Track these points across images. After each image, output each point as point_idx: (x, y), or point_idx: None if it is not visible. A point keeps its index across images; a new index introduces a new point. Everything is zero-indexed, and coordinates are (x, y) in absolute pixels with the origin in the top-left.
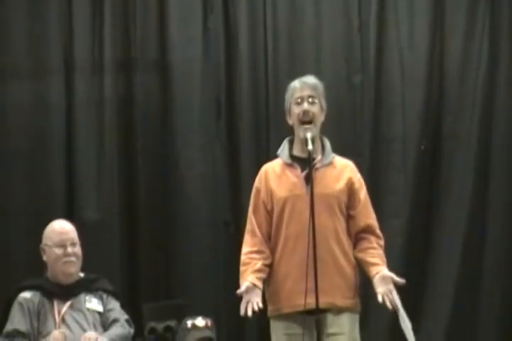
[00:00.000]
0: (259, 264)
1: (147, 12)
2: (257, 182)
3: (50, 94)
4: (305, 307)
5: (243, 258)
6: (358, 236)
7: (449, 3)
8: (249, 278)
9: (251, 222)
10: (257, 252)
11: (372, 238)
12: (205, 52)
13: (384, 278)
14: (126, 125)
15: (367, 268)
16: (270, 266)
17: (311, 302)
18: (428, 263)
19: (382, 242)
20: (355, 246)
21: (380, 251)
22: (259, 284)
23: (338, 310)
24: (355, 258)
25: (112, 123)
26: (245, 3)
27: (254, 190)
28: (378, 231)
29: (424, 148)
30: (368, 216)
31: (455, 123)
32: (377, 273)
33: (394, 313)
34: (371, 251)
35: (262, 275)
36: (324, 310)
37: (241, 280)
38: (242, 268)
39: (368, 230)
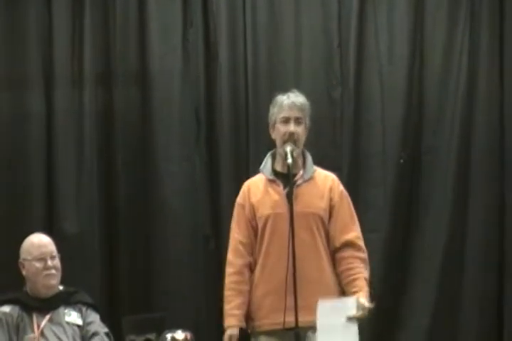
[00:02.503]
0: (241, 297)
1: (127, 24)
2: (240, 198)
3: (30, 106)
4: (284, 326)
5: (228, 281)
6: (338, 251)
7: (429, 18)
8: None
9: (234, 239)
10: (240, 274)
11: (351, 253)
12: (185, 65)
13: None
14: (106, 137)
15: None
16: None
17: (290, 320)
18: (406, 278)
19: (362, 255)
20: (337, 261)
21: (358, 270)
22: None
23: None
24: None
25: (91, 136)
26: (225, 16)
27: (237, 207)
28: (360, 243)
29: (404, 161)
30: (347, 230)
31: (434, 137)
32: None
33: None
34: (350, 273)
35: (244, 310)
36: (306, 327)
37: (226, 311)
38: (227, 294)
39: (348, 244)
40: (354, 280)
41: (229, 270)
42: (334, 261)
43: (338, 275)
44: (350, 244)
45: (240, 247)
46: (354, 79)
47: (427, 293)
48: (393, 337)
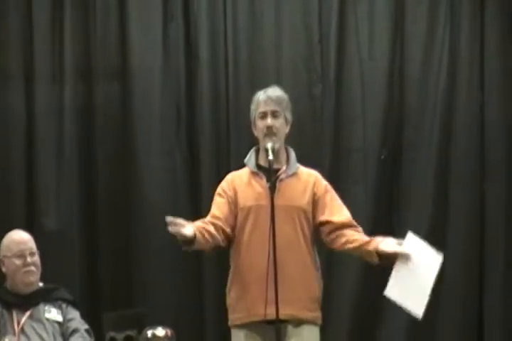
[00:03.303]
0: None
1: (107, 20)
2: (224, 184)
3: (10, 102)
4: (265, 318)
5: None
6: (335, 233)
7: (409, 13)
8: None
9: (209, 214)
10: (210, 224)
11: (350, 229)
12: (166, 60)
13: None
14: (87, 133)
15: (362, 251)
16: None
17: (271, 312)
18: (388, 275)
19: (361, 229)
20: (337, 243)
21: (365, 237)
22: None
23: (299, 322)
24: (345, 252)
25: (72, 132)
26: (206, 12)
27: (219, 190)
28: (355, 223)
29: (384, 158)
30: (340, 216)
31: (415, 133)
32: (375, 247)
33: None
34: (355, 237)
35: (206, 228)
36: (285, 321)
37: None
38: None
39: (344, 226)
40: (368, 241)
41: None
42: (335, 238)
43: (344, 245)
44: (347, 225)
45: (214, 220)
46: (335, 75)
47: None
48: (374, 334)
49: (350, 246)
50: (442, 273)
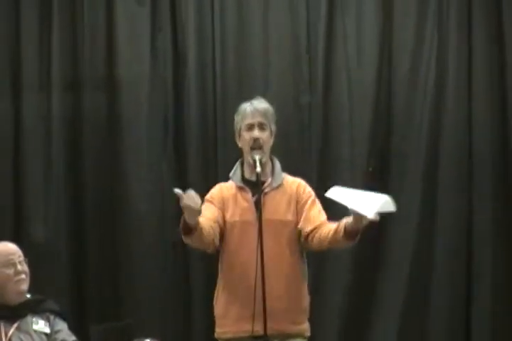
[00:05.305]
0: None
1: (96, 30)
2: (214, 192)
3: None
4: (252, 333)
5: None
6: (309, 237)
7: (397, 22)
8: None
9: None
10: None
11: (321, 227)
12: (153, 71)
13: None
14: (74, 144)
15: (334, 235)
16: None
17: (258, 329)
18: (377, 283)
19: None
20: (312, 241)
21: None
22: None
23: (286, 336)
24: (322, 246)
25: (59, 142)
26: (193, 22)
27: (209, 197)
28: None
29: (372, 169)
30: (316, 220)
31: (403, 143)
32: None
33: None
34: (324, 233)
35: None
36: (272, 336)
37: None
38: None
39: (318, 227)
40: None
41: None
42: (308, 243)
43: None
44: (320, 226)
45: (210, 221)
46: (323, 85)
47: (396, 293)
48: (362, 338)
49: (325, 243)
50: (430, 284)
